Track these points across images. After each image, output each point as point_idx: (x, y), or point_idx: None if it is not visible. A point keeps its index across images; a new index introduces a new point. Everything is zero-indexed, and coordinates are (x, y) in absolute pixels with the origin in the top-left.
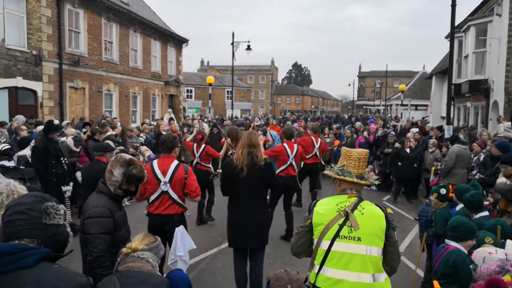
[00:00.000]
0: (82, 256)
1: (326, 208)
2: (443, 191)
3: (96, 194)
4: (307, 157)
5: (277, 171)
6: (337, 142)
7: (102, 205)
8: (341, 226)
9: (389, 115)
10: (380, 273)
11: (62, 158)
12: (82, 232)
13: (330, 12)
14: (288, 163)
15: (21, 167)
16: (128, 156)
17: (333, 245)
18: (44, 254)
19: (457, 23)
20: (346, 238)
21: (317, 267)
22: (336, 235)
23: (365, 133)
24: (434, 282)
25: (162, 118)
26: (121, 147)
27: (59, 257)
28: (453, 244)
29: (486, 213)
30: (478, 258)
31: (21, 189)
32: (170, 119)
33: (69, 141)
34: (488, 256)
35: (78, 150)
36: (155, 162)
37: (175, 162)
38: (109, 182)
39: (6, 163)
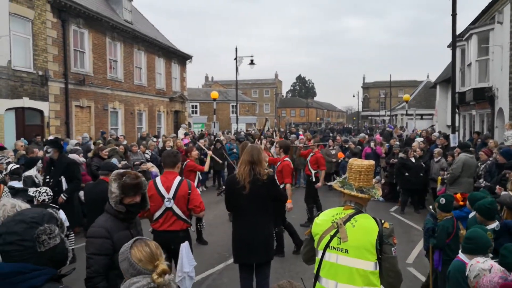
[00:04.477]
0: None
1: (323, 219)
2: (442, 201)
3: (102, 215)
4: (318, 170)
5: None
6: (340, 154)
7: (99, 225)
8: (332, 237)
9: (390, 126)
10: (374, 287)
11: (48, 177)
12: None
13: (326, 24)
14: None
15: (29, 188)
16: (121, 170)
17: (324, 254)
18: (51, 275)
19: (458, 31)
20: (335, 249)
21: (316, 275)
22: (327, 246)
23: (372, 144)
24: None
25: (176, 135)
26: (125, 162)
27: (63, 276)
28: (460, 256)
29: (496, 223)
30: (471, 269)
31: (26, 208)
32: (186, 134)
33: (75, 156)
34: (474, 264)
35: (85, 159)
36: (158, 179)
37: (178, 178)
38: (111, 200)
39: (15, 184)
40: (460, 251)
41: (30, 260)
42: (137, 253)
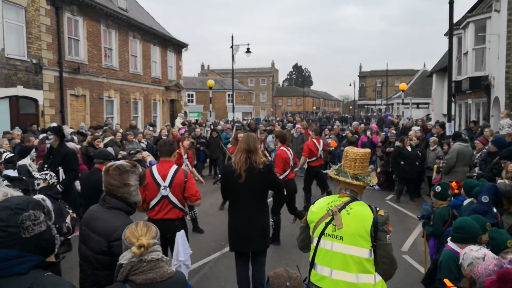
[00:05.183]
0: (87, 272)
1: (318, 206)
2: (438, 188)
3: (112, 212)
4: (312, 159)
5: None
6: (333, 142)
7: (127, 224)
8: (327, 224)
9: (388, 115)
10: (368, 274)
11: (46, 166)
12: (102, 254)
13: (323, 13)
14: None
15: (24, 178)
16: (125, 161)
17: (319, 242)
18: (37, 262)
19: (455, 20)
20: (330, 236)
21: (311, 263)
22: (322, 233)
23: (368, 133)
24: (445, 281)
25: (171, 125)
26: (124, 152)
27: (51, 264)
28: (450, 244)
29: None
30: (465, 257)
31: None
32: (183, 123)
33: (71, 145)
34: (468, 253)
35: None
36: (154, 167)
37: (174, 166)
38: (131, 195)
39: (10, 172)
40: (449, 239)
41: (15, 247)
42: (126, 231)
